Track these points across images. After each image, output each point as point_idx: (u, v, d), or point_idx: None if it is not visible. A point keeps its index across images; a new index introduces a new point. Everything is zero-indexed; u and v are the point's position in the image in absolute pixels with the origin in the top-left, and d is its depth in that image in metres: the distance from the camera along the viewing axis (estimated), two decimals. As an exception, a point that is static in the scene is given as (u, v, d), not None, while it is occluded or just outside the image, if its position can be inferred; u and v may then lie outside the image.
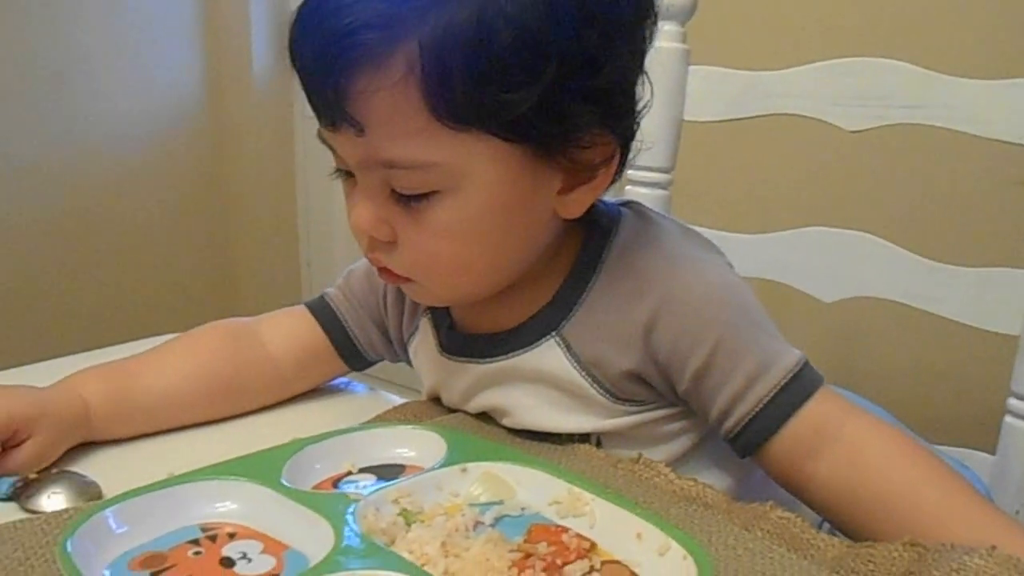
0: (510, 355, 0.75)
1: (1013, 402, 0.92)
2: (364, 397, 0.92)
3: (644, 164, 1.12)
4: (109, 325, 2.59)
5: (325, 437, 0.71)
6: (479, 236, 0.68)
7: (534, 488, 0.65)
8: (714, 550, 0.58)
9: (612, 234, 0.74)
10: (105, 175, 2.66)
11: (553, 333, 0.74)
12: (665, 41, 1.12)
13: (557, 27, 0.62)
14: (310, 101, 0.68)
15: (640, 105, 0.71)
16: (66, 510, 0.63)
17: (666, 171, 1.16)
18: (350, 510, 0.60)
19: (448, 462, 0.67)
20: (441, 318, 0.81)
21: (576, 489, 0.63)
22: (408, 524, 0.61)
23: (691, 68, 1.15)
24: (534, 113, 0.63)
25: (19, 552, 0.58)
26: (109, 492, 0.64)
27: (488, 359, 0.77)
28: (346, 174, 0.71)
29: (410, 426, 0.75)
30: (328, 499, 0.62)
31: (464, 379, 0.79)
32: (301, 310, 0.90)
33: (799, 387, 0.69)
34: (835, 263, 1.11)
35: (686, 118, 1.16)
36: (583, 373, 0.73)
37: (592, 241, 0.75)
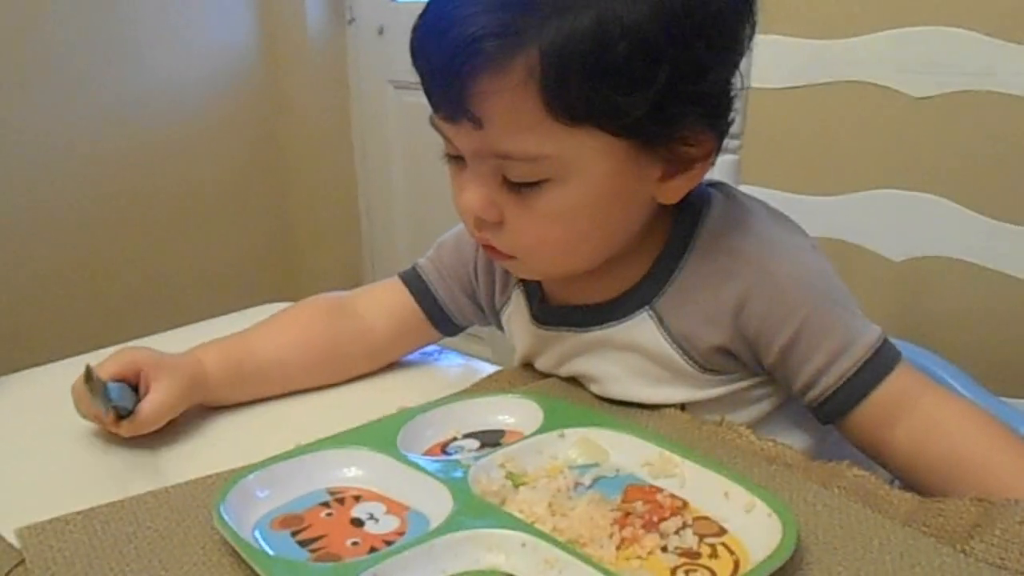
0: (604, 326, 0.81)
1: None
2: (459, 367, 0.99)
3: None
4: (170, 302, 2.56)
5: (432, 407, 0.77)
6: (584, 221, 0.74)
7: (627, 451, 0.70)
8: (795, 507, 0.63)
9: (703, 214, 0.79)
10: (161, 145, 2.66)
11: (647, 307, 0.79)
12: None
13: (669, 37, 0.67)
14: (430, 96, 0.73)
15: (736, 102, 0.76)
16: (209, 476, 0.70)
17: (735, 136, 1.20)
18: (462, 474, 0.66)
19: (545, 428, 0.73)
20: (533, 290, 0.87)
21: (666, 452, 0.69)
22: (516, 486, 0.67)
23: (760, 37, 1.19)
24: (643, 114, 0.68)
25: (175, 515, 0.66)
26: (241, 460, 0.70)
27: (582, 328, 0.82)
28: (455, 159, 0.76)
29: (508, 395, 0.80)
30: (442, 464, 0.69)
31: (557, 347, 0.85)
32: (395, 281, 0.96)
33: (879, 362, 0.75)
34: (903, 223, 1.15)
35: (755, 85, 1.20)
36: (675, 346, 0.78)
37: (684, 220, 0.80)
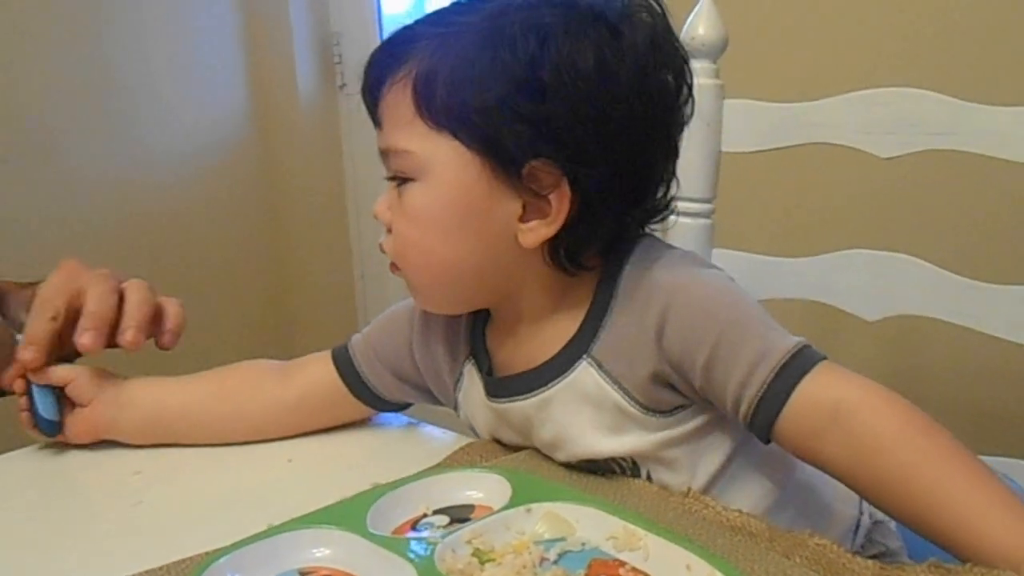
0: (549, 385, 0.83)
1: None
2: (434, 440, 1.00)
3: (686, 195, 1.18)
4: (165, 370, 2.57)
5: (402, 483, 0.78)
6: (439, 227, 0.80)
7: (592, 525, 0.71)
8: (756, 578, 0.65)
9: (624, 262, 0.82)
10: (157, 217, 2.69)
11: (584, 355, 0.82)
12: (700, 78, 1.18)
13: (513, 53, 0.75)
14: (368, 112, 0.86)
15: (635, 172, 0.80)
16: (183, 560, 0.71)
17: (707, 201, 1.22)
18: (429, 552, 0.67)
19: (514, 503, 0.74)
20: (482, 363, 0.89)
21: (630, 525, 0.70)
22: (482, 563, 0.67)
23: (729, 102, 1.21)
24: (480, 123, 0.76)
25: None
26: (208, 541, 0.71)
27: (531, 393, 0.84)
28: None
29: (477, 469, 0.82)
30: (409, 542, 0.70)
31: (514, 419, 0.87)
32: (325, 355, 1.01)
33: (798, 364, 0.75)
34: (875, 283, 1.17)
35: (725, 149, 1.22)
36: (615, 387, 0.80)
37: (609, 271, 0.83)
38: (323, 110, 2.91)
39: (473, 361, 0.90)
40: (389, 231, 0.83)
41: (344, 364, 0.99)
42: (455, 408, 0.94)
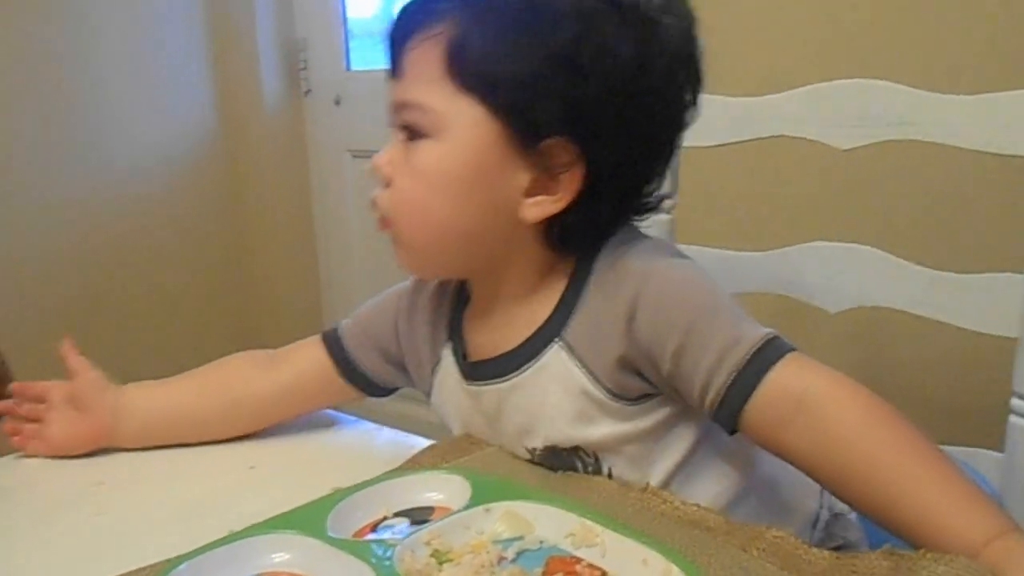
0: (521, 369, 0.84)
1: (1016, 402, 0.96)
2: (394, 445, 1.01)
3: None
4: (131, 359, 2.56)
5: (362, 487, 0.78)
6: (445, 187, 0.80)
7: (550, 523, 0.72)
8: (713, 571, 0.65)
9: (601, 249, 0.84)
10: (122, 213, 2.70)
11: (556, 339, 0.83)
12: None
13: (556, 31, 0.76)
14: (388, 58, 0.85)
15: (643, 162, 0.83)
16: (142, 568, 0.71)
17: (667, 196, 1.22)
18: (388, 554, 0.68)
19: (473, 503, 0.74)
20: (458, 349, 0.90)
21: (588, 522, 0.70)
22: (440, 563, 0.68)
23: (688, 98, 1.21)
24: (511, 93, 0.77)
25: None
26: (171, 548, 0.71)
27: (504, 377, 0.85)
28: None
29: (436, 471, 0.82)
30: (369, 545, 0.70)
31: (487, 403, 0.88)
32: (315, 339, 1.01)
33: (767, 354, 0.76)
34: (837, 275, 1.17)
35: (686, 145, 1.22)
36: (585, 371, 0.81)
37: (585, 257, 0.84)
38: (289, 117, 2.91)
39: (451, 346, 0.91)
40: (387, 186, 0.83)
41: (334, 347, 1.00)
42: (428, 394, 0.95)
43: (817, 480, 0.76)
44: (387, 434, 1.02)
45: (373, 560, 0.67)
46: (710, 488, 0.84)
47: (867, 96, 1.10)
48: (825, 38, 1.58)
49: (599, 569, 0.67)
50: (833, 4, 1.61)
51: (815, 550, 0.69)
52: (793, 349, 0.77)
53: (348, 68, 2.78)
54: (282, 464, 0.96)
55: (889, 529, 0.71)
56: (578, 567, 0.67)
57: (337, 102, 2.79)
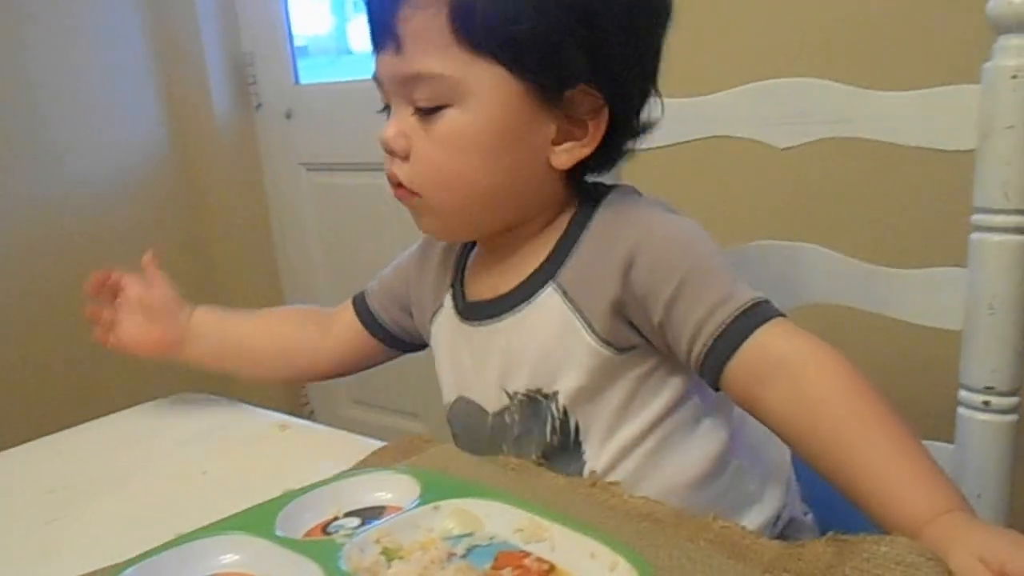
0: (515, 310, 0.87)
1: (963, 393, 0.99)
2: (346, 445, 0.99)
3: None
4: (88, 393, 2.47)
5: (312, 488, 0.78)
6: (476, 151, 0.81)
7: (500, 519, 0.72)
8: (660, 562, 0.65)
9: (603, 199, 0.86)
10: (79, 241, 2.64)
11: (551, 281, 0.85)
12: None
13: None
14: (371, 35, 0.84)
15: (644, 95, 0.86)
16: (91, 574, 0.71)
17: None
18: (337, 553, 0.67)
19: (422, 502, 0.74)
20: (457, 291, 0.93)
21: (537, 517, 0.70)
22: (389, 561, 0.68)
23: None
24: (532, 48, 0.78)
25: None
26: (122, 553, 0.71)
27: (499, 317, 0.88)
28: (387, 108, 0.86)
29: (386, 471, 0.82)
30: (318, 545, 0.70)
31: (478, 344, 0.90)
32: (349, 301, 1.07)
33: (757, 314, 0.78)
34: (781, 274, 1.18)
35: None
36: (576, 314, 0.83)
37: (586, 204, 0.87)
38: (241, 131, 2.89)
39: (452, 291, 0.93)
40: (404, 158, 0.83)
41: (360, 305, 1.05)
42: (427, 338, 0.98)
43: (785, 440, 0.78)
44: (339, 437, 1.02)
45: (322, 559, 0.67)
46: (679, 461, 0.86)
47: (803, 95, 1.11)
48: (761, 38, 1.60)
49: (547, 563, 0.67)
50: (767, 4, 1.64)
51: (762, 539, 0.70)
52: (783, 315, 0.79)
53: (297, 82, 2.78)
54: (234, 468, 0.96)
55: (845, 494, 0.73)
56: (527, 561, 0.67)
57: (288, 116, 2.78)
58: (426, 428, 2.70)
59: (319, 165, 2.76)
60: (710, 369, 0.79)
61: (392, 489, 0.79)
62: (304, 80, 2.78)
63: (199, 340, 1.07)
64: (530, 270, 0.87)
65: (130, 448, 1.05)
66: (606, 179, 0.92)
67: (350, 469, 0.86)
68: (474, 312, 0.91)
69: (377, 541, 0.70)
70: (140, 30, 2.78)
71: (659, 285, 0.80)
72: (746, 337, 0.77)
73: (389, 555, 0.69)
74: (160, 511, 0.87)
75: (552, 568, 0.66)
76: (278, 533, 0.71)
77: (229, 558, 0.70)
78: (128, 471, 0.97)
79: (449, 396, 0.95)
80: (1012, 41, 0.90)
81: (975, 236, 0.95)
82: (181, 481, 0.94)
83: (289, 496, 0.77)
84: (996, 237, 0.93)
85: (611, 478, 0.84)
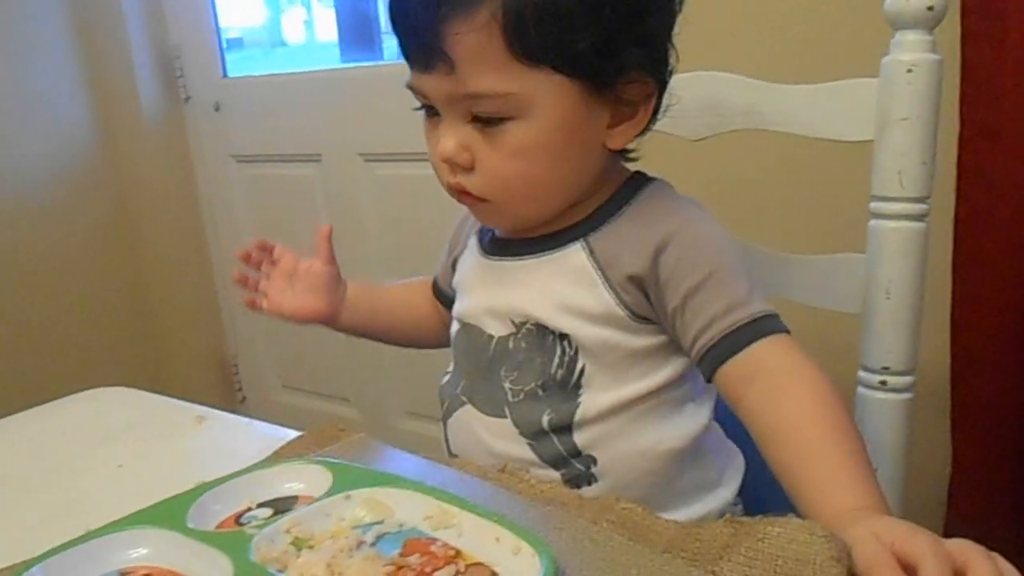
0: (539, 254, 0.90)
1: (862, 374, 1.02)
2: (262, 438, 1.00)
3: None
4: (18, 373, 2.56)
5: (224, 480, 0.79)
6: (544, 159, 0.84)
7: (410, 506, 0.73)
8: (563, 544, 0.67)
9: (646, 185, 0.91)
10: (7, 226, 2.63)
11: (581, 239, 0.88)
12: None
13: None
14: (406, 50, 0.85)
15: (672, 58, 0.89)
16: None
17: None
18: (247, 543, 0.69)
19: (333, 491, 0.76)
20: (485, 231, 0.97)
21: (445, 505, 0.72)
22: (299, 550, 0.69)
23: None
24: (592, 54, 0.80)
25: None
26: (35, 550, 0.71)
27: (520, 257, 0.91)
28: (431, 115, 0.88)
29: (297, 462, 0.83)
30: (228, 536, 0.71)
31: (495, 277, 0.94)
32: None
33: (765, 325, 0.82)
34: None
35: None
36: (598, 273, 0.87)
37: (630, 185, 0.91)
38: (169, 125, 2.85)
39: (479, 234, 0.98)
40: (468, 169, 0.85)
41: (433, 282, 1.13)
42: (453, 269, 1.03)
43: (754, 436, 0.81)
44: (257, 427, 1.03)
45: (231, 550, 0.68)
46: (660, 428, 0.89)
47: (712, 88, 1.13)
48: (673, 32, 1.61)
49: (454, 549, 0.69)
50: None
51: (662, 520, 0.72)
52: (788, 331, 0.83)
53: (224, 75, 2.75)
54: (150, 461, 0.96)
55: (787, 491, 0.76)
56: (433, 547, 0.68)
57: (217, 108, 2.76)
58: (356, 413, 2.72)
59: (249, 157, 2.74)
60: (709, 362, 0.83)
61: (304, 479, 0.80)
62: (236, 72, 2.76)
63: (352, 311, 1.11)
64: (563, 226, 0.90)
65: (45, 445, 1.04)
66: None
67: (263, 460, 0.87)
68: (497, 248, 0.95)
69: (288, 531, 0.71)
70: (65, 21, 2.73)
71: (685, 274, 0.84)
72: (750, 343, 0.81)
73: (299, 544, 0.70)
74: (74, 507, 0.87)
75: (458, 553, 0.68)
76: (189, 525, 0.72)
77: (138, 552, 0.71)
78: (43, 468, 0.97)
79: (455, 327, 1.00)
80: (907, 37, 0.94)
81: (873, 223, 0.99)
82: (96, 476, 0.93)
83: (202, 488, 0.78)
84: (892, 224, 0.97)
85: (598, 428, 0.88)
